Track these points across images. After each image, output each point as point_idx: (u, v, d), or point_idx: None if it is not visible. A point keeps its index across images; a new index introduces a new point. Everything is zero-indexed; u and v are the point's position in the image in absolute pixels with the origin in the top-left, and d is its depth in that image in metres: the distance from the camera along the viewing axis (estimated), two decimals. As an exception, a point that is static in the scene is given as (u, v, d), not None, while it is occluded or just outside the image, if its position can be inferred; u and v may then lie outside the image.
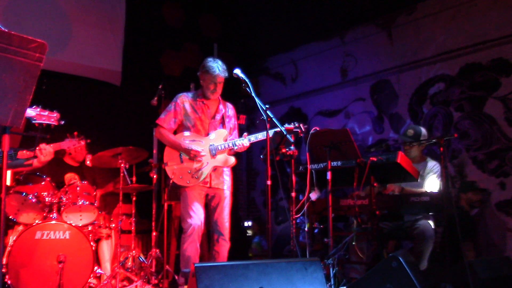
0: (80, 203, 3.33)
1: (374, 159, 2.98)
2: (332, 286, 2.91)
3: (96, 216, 3.47)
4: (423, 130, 3.57)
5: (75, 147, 3.60)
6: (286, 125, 2.99)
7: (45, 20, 4.41)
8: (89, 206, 3.39)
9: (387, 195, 3.39)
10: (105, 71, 4.86)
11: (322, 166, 3.17)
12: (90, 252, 3.07)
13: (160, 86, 3.81)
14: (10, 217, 3.12)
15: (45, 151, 2.69)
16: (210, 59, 3.08)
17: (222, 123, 3.18)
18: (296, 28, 5.51)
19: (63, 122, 2.60)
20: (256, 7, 5.56)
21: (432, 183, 3.42)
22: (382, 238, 3.32)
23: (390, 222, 3.44)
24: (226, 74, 3.08)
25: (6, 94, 1.80)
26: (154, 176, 3.93)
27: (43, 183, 3.24)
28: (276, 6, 5.34)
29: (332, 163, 3.07)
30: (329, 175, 3.00)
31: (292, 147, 2.94)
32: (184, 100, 3.14)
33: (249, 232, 5.41)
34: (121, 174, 3.53)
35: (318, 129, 3.13)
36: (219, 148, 3.05)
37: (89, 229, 3.45)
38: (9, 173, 3.86)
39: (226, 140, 3.10)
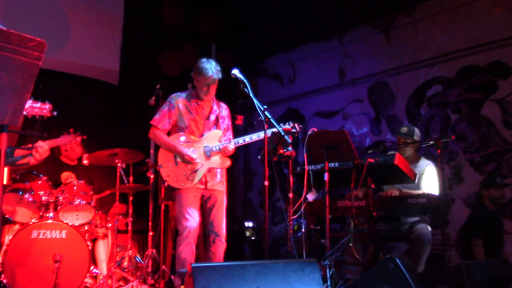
0: (76, 202, 3.32)
1: (372, 160, 2.98)
2: (329, 287, 2.90)
3: (93, 216, 3.46)
4: (417, 130, 3.59)
5: (70, 143, 3.63)
6: (282, 125, 2.98)
7: (43, 18, 4.40)
8: (86, 205, 3.38)
9: (384, 196, 3.39)
10: (103, 70, 4.85)
11: (319, 167, 3.17)
12: (87, 251, 3.06)
13: (158, 86, 3.80)
14: (6, 216, 3.11)
15: (42, 149, 2.69)
16: (204, 60, 3.05)
17: (216, 123, 3.17)
18: (294, 29, 5.51)
19: (55, 113, 2.60)
20: (254, 7, 5.56)
21: (428, 182, 3.42)
22: (379, 240, 3.32)
23: (386, 223, 3.44)
24: (220, 76, 3.06)
25: (4, 92, 1.80)
26: (151, 176, 3.92)
27: (39, 182, 3.23)
28: (275, 7, 5.34)
29: (329, 164, 3.07)
30: (326, 176, 3.00)
31: (289, 148, 2.94)
32: (179, 100, 3.11)
33: (247, 233, 5.41)
34: (118, 174, 3.52)
35: (315, 130, 3.13)
36: (214, 150, 3.03)
37: (86, 228, 3.44)
38: (5, 171, 3.84)
39: (220, 141, 3.09)
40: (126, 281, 3.46)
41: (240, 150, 6.47)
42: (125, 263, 3.55)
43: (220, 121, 3.18)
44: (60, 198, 3.28)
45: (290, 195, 3.13)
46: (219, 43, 6.02)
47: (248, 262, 2.16)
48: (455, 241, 4.16)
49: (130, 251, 3.55)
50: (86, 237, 3.20)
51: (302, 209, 3.15)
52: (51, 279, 2.89)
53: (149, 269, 3.57)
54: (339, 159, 3.11)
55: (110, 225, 3.65)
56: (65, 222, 3.10)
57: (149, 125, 3.10)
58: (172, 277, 3.40)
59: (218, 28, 5.96)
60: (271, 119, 2.76)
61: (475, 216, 3.88)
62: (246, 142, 3.07)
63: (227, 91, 5.82)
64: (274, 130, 2.91)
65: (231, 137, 3.23)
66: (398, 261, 2.36)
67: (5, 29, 1.75)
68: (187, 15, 5.66)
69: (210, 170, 3.06)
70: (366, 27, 5.12)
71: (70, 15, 4.60)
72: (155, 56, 5.35)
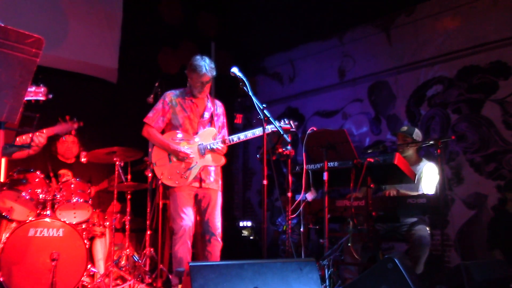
0: (74, 200, 3.31)
1: (371, 160, 2.96)
2: (327, 287, 2.89)
3: (90, 214, 3.44)
4: (417, 130, 3.58)
5: (66, 142, 3.65)
6: (278, 123, 2.95)
7: (42, 15, 4.38)
8: (83, 203, 3.36)
9: (383, 196, 3.38)
10: (102, 68, 4.84)
11: (318, 167, 3.15)
12: (84, 250, 3.04)
13: (156, 84, 3.78)
14: (3, 213, 3.09)
15: (39, 139, 2.77)
16: (197, 57, 3.01)
17: (211, 121, 3.14)
18: (294, 27, 5.49)
19: (51, 96, 2.60)
20: (254, 6, 5.54)
21: (428, 184, 3.41)
22: (378, 240, 3.31)
23: (384, 224, 3.43)
24: (214, 73, 3.03)
25: (1, 89, 1.80)
26: (149, 175, 3.90)
27: (37, 180, 3.21)
28: (275, 5, 5.33)
29: (328, 163, 3.06)
30: (325, 175, 2.99)
31: (288, 147, 2.93)
32: (172, 98, 3.09)
33: (245, 233, 5.39)
34: (116, 172, 3.50)
35: (315, 129, 3.12)
36: (208, 148, 3.01)
37: (83, 227, 3.42)
38: (2, 169, 3.82)
39: (215, 139, 3.06)
40: (124, 280, 3.44)
41: (240, 149, 6.46)
42: (123, 262, 3.53)
43: (215, 118, 3.15)
44: (58, 196, 3.27)
45: (289, 194, 3.12)
46: (218, 41, 6.00)
47: (246, 261, 2.14)
48: (454, 241, 4.14)
49: (127, 250, 3.54)
50: (84, 235, 3.19)
51: (301, 208, 3.14)
52: (48, 277, 2.87)
53: (147, 268, 3.55)
54: (339, 159, 3.10)
55: (107, 223, 3.63)
56: (62, 220, 3.09)
57: (143, 123, 3.07)
58: (170, 276, 3.38)
59: (217, 26, 5.95)
60: (270, 118, 2.74)
61: (497, 223, 3.78)
62: (241, 140, 3.04)
63: (226, 89, 5.83)
64: (272, 128, 2.88)
65: (226, 134, 3.20)
66: (397, 261, 2.35)
67: (2, 25, 1.74)
68: (186, 13, 5.64)
69: (204, 168, 3.03)
70: (366, 27, 5.10)
71: (68, 12, 4.58)
72: (154, 54, 5.34)
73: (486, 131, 4.11)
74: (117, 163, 3.48)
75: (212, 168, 3.08)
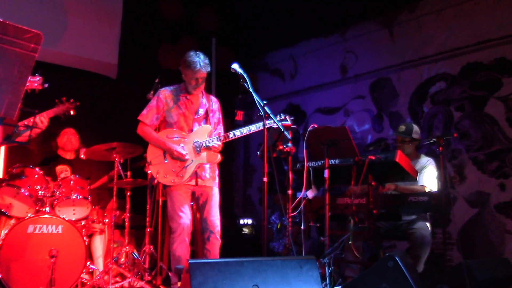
0: (73, 197, 3.29)
1: (373, 157, 2.94)
2: (328, 285, 2.88)
3: (90, 211, 3.42)
4: (416, 127, 3.55)
5: (67, 134, 3.66)
6: (277, 119, 2.91)
7: (41, 10, 4.35)
8: (83, 200, 3.34)
9: (384, 194, 3.36)
10: (101, 64, 4.81)
11: (319, 164, 3.13)
12: (83, 247, 3.03)
13: (156, 80, 3.75)
14: (2, 210, 3.08)
15: (42, 118, 2.89)
16: (191, 53, 2.95)
17: (206, 117, 3.10)
18: (296, 23, 5.46)
19: (47, 85, 2.60)
20: (255, 1, 5.50)
21: (428, 178, 3.38)
22: (379, 238, 3.29)
23: (386, 222, 3.40)
24: (209, 69, 2.98)
25: (0, 84, 1.76)
26: (149, 171, 3.88)
27: (36, 176, 3.19)
28: (277, 1, 5.29)
29: (329, 161, 3.03)
30: (326, 173, 2.96)
31: (289, 144, 2.90)
32: (167, 95, 3.04)
33: (245, 230, 5.38)
34: (115, 169, 3.47)
35: (316, 126, 3.09)
36: (204, 145, 2.97)
37: (82, 223, 3.40)
38: (1, 166, 3.81)
39: (211, 136, 3.03)
40: (123, 277, 3.43)
41: (240, 146, 6.44)
42: (122, 259, 3.51)
43: (210, 115, 3.11)
44: (57, 193, 3.25)
45: (289, 191, 3.10)
46: (219, 37, 5.96)
47: (246, 259, 2.13)
48: (456, 240, 4.12)
49: (127, 247, 3.52)
50: (83, 232, 3.17)
51: (301, 206, 3.12)
52: (47, 274, 2.86)
53: (146, 266, 3.53)
54: (340, 156, 3.07)
55: (107, 220, 3.62)
56: (61, 217, 3.07)
57: (137, 121, 3.04)
58: (169, 274, 3.37)
59: (218, 22, 5.91)
60: (271, 115, 2.72)
61: None
62: (237, 136, 3.00)
63: (227, 86, 5.80)
64: (270, 123, 2.84)
65: (221, 131, 3.16)
66: (398, 259, 2.33)
67: (1, 20, 1.73)
68: (187, 8, 5.61)
69: (200, 166, 3.00)
70: (369, 23, 5.06)
71: (68, 7, 4.56)
72: (154, 50, 5.31)
73: (489, 129, 4.07)
74: (116, 159, 3.45)
75: (208, 166, 3.05)
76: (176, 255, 2.89)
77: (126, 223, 3.59)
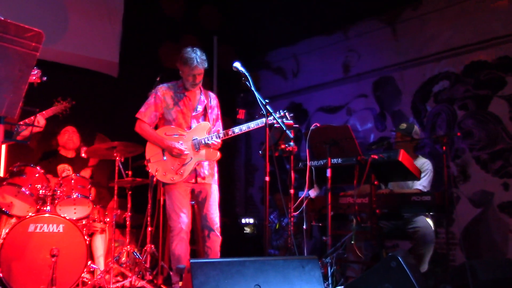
0: (74, 196, 3.28)
1: (375, 157, 2.92)
2: (330, 285, 2.86)
3: (91, 210, 3.41)
4: (416, 128, 3.54)
5: (68, 133, 3.67)
6: (278, 116, 2.88)
7: (42, 9, 4.34)
8: (84, 199, 3.33)
9: (387, 194, 3.33)
10: (103, 62, 4.80)
11: (322, 163, 3.11)
12: (84, 246, 3.02)
13: (158, 78, 3.73)
14: (3, 209, 3.07)
15: (41, 118, 2.98)
16: (188, 49, 2.92)
17: (205, 114, 3.08)
18: (298, 21, 5.43)
19: (45, 78, 2.60)
20: (258, -1, 5.47)
21: (424, 182, 3.36)
22: (382, 238, 3.27)
23: (388, 221, 3.38)
24: (206, 65, 2.95)
25: (1, 83, 1.79)
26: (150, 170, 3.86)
27: (37, 175, 3.18)
28: (279, -1, 5.26)
29: (332, 160, 3.01)
30: (329, 172, 2.94)
31: (291, 143, 2.88)
32: (165, 92, 3.02)
33: (246, 230, 5.36)
34: (117, 168, 3.46)
35: (318, 125, 3.07)
36: (203, 143, 2.95)
37: (83, 223, 3.39)
38: (2, 165, 3.80)
39: (209, 133, 3.00)
40: (124, 277, 3.42)
41: (242, 145, 6.42)
42: (123, 258, 3.50)
43: (209, 111, 3.09)
44: (58, 192, 3.24)
45: (291, 191, 3.08)
46: (221, 35, 5.94)
47: (248, 259, 2.13)
48: (460, 240, 4.09)
49: (128, 246, 3.51)
50: (84, 231, 3.17)
51: (303, 205, 3.10)
52: (48, 273, 2.86)
53: (147, 265, 3.53)
54: (342, 155, 3.05)
55: (108, 219, 3.61)
56: (62, 216, 3.06)
57: (135, 119, 3.02)
58: (171, 273, 3.35)
59: (220, 20, 5.89)
60: (272, 113, 2.70)
61: None
62: (236, 134, 2.97)
63: (229, 84, 5.78)
64: (271, 120, 2.81)
65: (220, 127, 3.14)
66: (400, 259, 2.31)
67: (2, 18, 1.72)
68: (188, 6, 5.59)
69: (199, 163, 2.98)
70: (371, 21, 5.02)
71: (69, 5, 4.55)
72: (155, 48, 5.29)
73: (493, 128, 4.04)
74: (117, 158, 3.44)
75: (208, 163, 3.03)
76: (175, 254, 2.88)
77: (127, 222, 3.59)
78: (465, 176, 4.18)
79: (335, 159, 3.06)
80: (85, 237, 3.08)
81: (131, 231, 3.64)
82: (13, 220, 3.09)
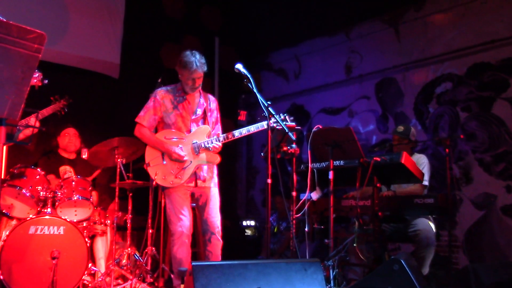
0: (75, 198, 3.26)
1: (378, 159, 2.90)
2: (332, 288, 2.84)
3: (92, 212, 3.40)
4: (413, 129, 3.54)
5: (69, 135, 3.65)
6: (280, 118, 2.87)
7: (43, 10, 4.34)
8: (85, 201, 3.32)
9: (390, 196, 3.31)
10: (104, 63, 4.79)
11: (324, 165, 3.09)
12: (85, 248, 3.01)
13: (159, 80, 3.72)
14: (3, 211, 3.06)
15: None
16: (187, 53, 2.91)
17: (204, 117, 3.06)
18: (300, 22, 5.42)
19: (46, 81, 2.60)
20: (259, 0, 5.46)
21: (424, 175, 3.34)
22: (384, 240, 3.25)
23: (391, 224, 3.36)
24: (205, 69, 2.94)
25: (3, 85, 1.78)
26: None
27: (37, 176, 3.17)
28: (280, 0, 5.24)
29: (334, 162, 3.00)
30: (331, 174, 2.93)
31: (293, 145, 2.86)
32: (164, 95, 3.00)
33: (248, 232, 5.34)
34: (118, 170, 3.45)
35: (320, 127, 3.05)
36: (203, 146, 2.93)
37: (84, 225, 3.38)
38: (3, 166, 3.78)
39: (209, 136, 2.99)
40: (125, 279, 3.40)
41: (243, 147, 6.40)
42: (124, 261, 3.49)
43: (208, 114, 3.07)
44: (59, 194, 3.22)
45: (293, 193, 3.06)
46: (222, 36, 5.93)
47: (250, 261, 2.12)
48: (462, 242, 4.07)
49: (129, 249, 3.50)
50: (85, 233, 3.15)
51: (305, 207, 3.08)
52: (49, 276, 2.84)
53: (148, 267, 3.51)
54: (345, 157, 3.03)
55: (109, 221, 3.59)
56: (63, 218, 3.05)
57: (134, 123, 3.00)
58: (172, 276, 3.34)
59: (221, 20, 5.88)
60: (274, 115, 2.68)
61: None
62: (236, 137, 2.96)
63: (230, 85, 5.77)
64: (274, 122, 2.79)
65: (220, 130, 3.13)
66: (403, 262, 2.29)
67: (4, 20, 1.72)
68: (189, 7, 5.58)
69: (199, 167, 2.97)
70: (374, 22, 5.01)
71: (70, 6, 4.54)
72: (157, 49, 5.28)
73: (496, 130, 4.02)
74: (119, 160, 3.42)
75: (207, 167, 3.01)
76: (177, 258, 2.86)
77: (128, 225, 3.57)
78: (468, 178, 4.15)
79: (337, 161, 3.05)
80: (86, 239, 3.06)
81: (132, 233, 3.63)
82: (14, 222, 3.08)
